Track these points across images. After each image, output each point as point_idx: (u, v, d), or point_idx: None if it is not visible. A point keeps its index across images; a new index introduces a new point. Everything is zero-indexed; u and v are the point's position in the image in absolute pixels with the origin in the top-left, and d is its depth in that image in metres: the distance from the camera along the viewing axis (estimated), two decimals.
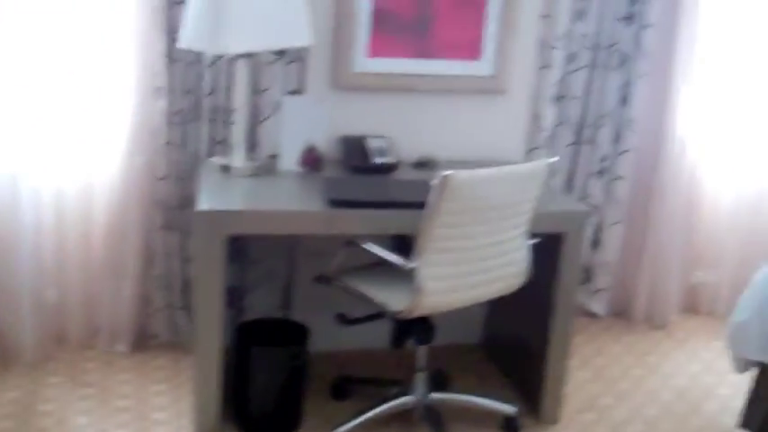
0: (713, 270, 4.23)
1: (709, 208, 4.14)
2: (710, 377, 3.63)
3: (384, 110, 3.43)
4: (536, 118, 3.63)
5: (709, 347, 3.90)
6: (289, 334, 3.08)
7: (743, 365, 3.15)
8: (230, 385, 3.04)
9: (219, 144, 3.31)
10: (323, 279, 2.98)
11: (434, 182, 2.54)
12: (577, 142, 3.78)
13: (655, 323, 4.09)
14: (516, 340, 3.42)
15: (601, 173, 3.84)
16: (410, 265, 2.65)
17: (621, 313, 4.14)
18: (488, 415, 3.16)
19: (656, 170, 3.94)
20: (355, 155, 3.25)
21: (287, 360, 2.95)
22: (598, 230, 3.94)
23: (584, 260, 3.87)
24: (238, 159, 3.11)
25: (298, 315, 3.32)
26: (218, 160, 3.16)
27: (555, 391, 3.17)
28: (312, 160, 3.17)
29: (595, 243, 3.95)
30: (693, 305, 4.26)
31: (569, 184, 3.82)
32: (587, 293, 4.02)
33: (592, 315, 4.05)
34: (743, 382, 3.29)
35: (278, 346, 2.97)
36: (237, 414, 3.01)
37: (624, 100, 3.76)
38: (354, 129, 3.39)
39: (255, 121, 3.31)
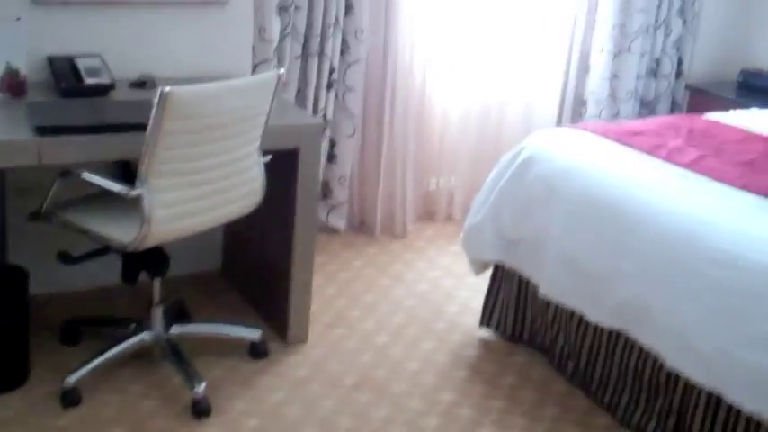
0: (447, 177, 4.32)
1: (439, 118, 4.20)
2: (450, 281, 3.72)
3: (95, 26, 3.12)
4: (261, 30, 3.47)
5: (446, 252, 4.00)
6: (4, 280, 2.77)
7: (479, 267, 3.25)
8: None
9: None
10: (38, 216, 2.70)
11: (155, 100, 2.34)
12: (305, 54, 3.66)
13: (394, 233, 4.12)
14: (258, 263, 3.30)
15: (331, 85, 3.76)
16: (134, 192, 2.44)
17: (361, 226, 4.14)
18: (234, 343, 3.04)
19: (385, 82, 3.92)
20: (64, 77, 2.95)
21: (2, 309, 2.65)
22: (333, 144, 3.88)
23: (320, 175, 3.81)
24: None
25: (14, 258, 3.00)
26: None
27: (301, 310, 3.11)
28: (14, 85, 2.83)
29: (331, 157, 3.90)
30: (430, 213, 4.35)
31: (301, 98, 3.71)
32: (326, 209, 3.97)
33: (332, 231, 4.01)
34: (480, 284, 3.39)
35: None
36: None
37: (349, 9, 3.69)
38: (63, 49, 3.05)
39: None
